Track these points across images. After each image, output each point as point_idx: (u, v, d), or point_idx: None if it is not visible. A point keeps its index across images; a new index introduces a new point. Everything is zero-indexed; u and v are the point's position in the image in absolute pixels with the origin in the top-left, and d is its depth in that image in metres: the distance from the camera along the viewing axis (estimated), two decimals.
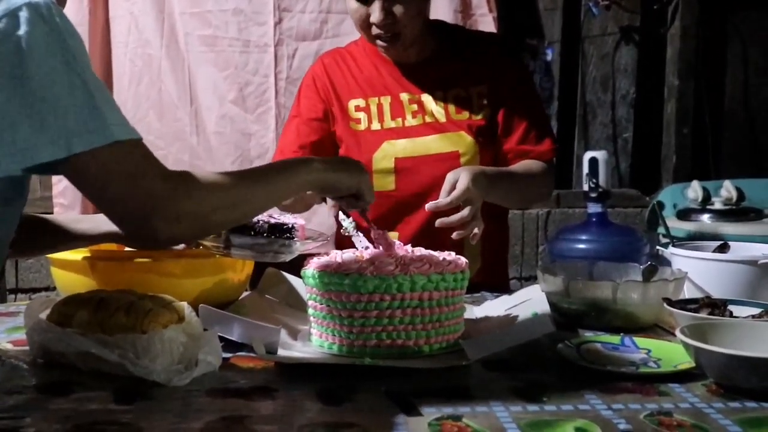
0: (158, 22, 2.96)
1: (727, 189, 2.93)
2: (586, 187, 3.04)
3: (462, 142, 1.84)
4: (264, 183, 1.19)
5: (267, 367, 1.24)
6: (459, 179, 1.60)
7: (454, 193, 1.58)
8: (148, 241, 1.08)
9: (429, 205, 1.57)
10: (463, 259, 1.37)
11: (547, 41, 3.44)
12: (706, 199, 2.93)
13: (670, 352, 1.26)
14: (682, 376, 1.16)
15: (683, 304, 1.41)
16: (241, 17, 2.97)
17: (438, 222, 1.56)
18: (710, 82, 3.56)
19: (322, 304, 1.33)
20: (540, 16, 3.42)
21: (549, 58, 3.44)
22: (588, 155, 3.02)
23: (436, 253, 1.36)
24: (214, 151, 3.00)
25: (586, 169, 3.01)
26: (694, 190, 2.95)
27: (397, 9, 1.75)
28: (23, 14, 0.93)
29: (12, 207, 1.06)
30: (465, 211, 1.57)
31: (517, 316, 1.42)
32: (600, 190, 2.99)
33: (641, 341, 1.33)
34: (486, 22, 3.07)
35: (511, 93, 1.89)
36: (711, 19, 3.52)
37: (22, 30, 0.93)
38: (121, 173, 1.00)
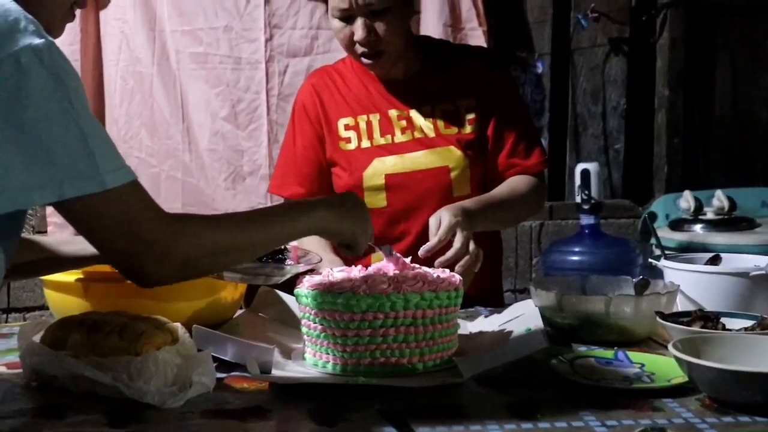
0: (149, 40, 2.96)
1: (719, 198, 2.94)
2: (578, 199, 3.06)
3: (451, 156, 1.85)
4: (263, 228, 1.19)
5: (261, 387, 1.24)
6: (441, 218, 1.61)
7: (441, 230, 1.59)
8: (140, 282, 1.08)
9: (421, 251, 1.58)
10: (457, 277, 1.37)
11: (537, 54, 3.45)
12: (699, 209, 2.94)
13: (664, 367, 1.26)
14: (675, 391, 1.17)
15: (676, 317, 1.42)
16: (232, 34, 2.98)
17: (437, 263, 1.55)
18: (700, 92, 3.57)
19: (315, 323, 1.33)
20: (530, 28, 3.43)
21: (539, 70, 3.45)
22: (580, 167, 3.05)
23: (430, 271, 1.36)
24: (207, 168, 3.01)
25: (578, 181, 3.04)
26: (687, 200, 2.96)
27: (380, 26, 1.76)
28: (23, 58, 0.94)
29: (9, 240, 1.07)
30: (457, 243, 1.58)
31: (510, 332, 1.42)
32: (592, 201, 3.01)
33: (635, 355, 1.34)
34: (476, 35, 3.09)
35: (498, 106, 1.89)
36: (699, 29, 3.54)
37: (21, 74, 0.94)
38: (113, 218, 1.01)
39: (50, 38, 0.99)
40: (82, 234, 1.05)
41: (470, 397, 1.19)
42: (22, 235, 1.17)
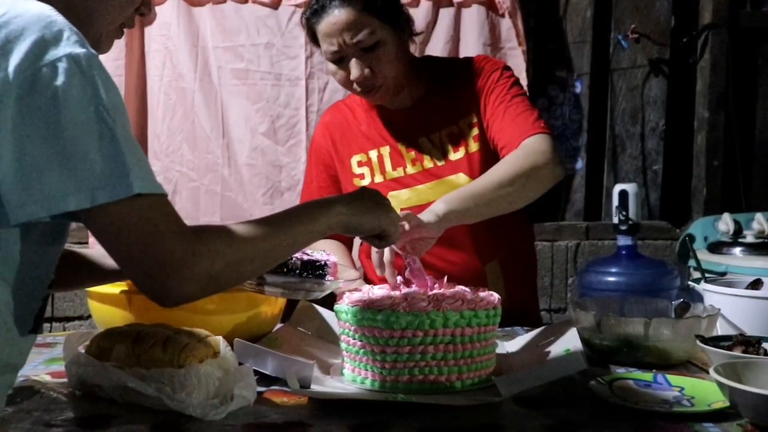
0: (192, 57, 3.01)
1: (759, 222, 2.90)
2: (615, 220, 3.04)
3: (459, 185, 1.77)
4: (284, 232, 1.16)
5: (300, 402, 1.25)
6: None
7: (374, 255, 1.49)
8: (160, 300, 1.05)
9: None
10: (495, 296, 1.38)
11: (576, 74, 3.44)
12: (738, 231, 2.90)
13: (704, 391, 1.25)
14: (716, 416, 1.16)
15: (716, 342, 1.41)
16: (273, 51, 3.03)
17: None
18: (741, 114, 3.54)
19: (355, 339, 1.34)
20: (569, 48, 3.43)
21: (578, 90, 3.44)
22: (618, 188, 3.03)
23: (468, 290, 1.37)
24: (246, 182, 3.04)
25: (615, 201, 3.02)
26: (725, 222, 2.93)
27: (374, 63, 1.77)
28: (62, 65, 0.96)
29: (52, 248, 1.09)
30: (386, 252, 1.47)
31: (549, 352, 1.42)
32: (630, 222, 2.99)
33: (674, 379, 1.33)
34: (515, 54, 3.10)
35: (488, 96, 1.83)
36: (741, 51, 3.52)
37: (60, 80, 0.95)
38: (140, 227, 0.99)
39: (92, 51, 1.00)
40: (105, 245, 1.03)
41: (508, 417, 1.19)
42: (66, 246, 1.19)
